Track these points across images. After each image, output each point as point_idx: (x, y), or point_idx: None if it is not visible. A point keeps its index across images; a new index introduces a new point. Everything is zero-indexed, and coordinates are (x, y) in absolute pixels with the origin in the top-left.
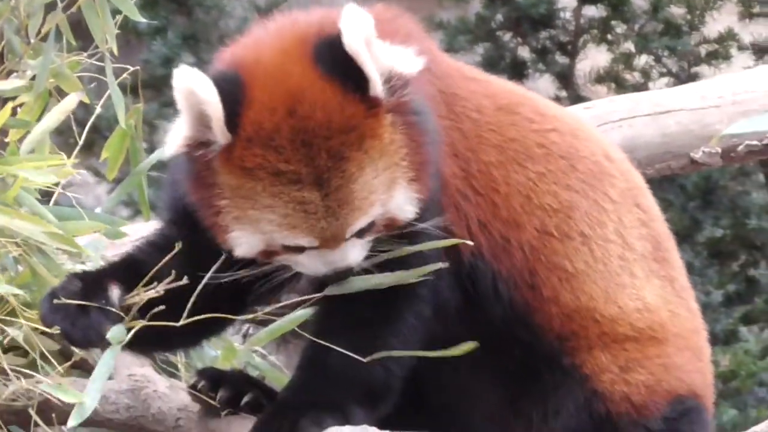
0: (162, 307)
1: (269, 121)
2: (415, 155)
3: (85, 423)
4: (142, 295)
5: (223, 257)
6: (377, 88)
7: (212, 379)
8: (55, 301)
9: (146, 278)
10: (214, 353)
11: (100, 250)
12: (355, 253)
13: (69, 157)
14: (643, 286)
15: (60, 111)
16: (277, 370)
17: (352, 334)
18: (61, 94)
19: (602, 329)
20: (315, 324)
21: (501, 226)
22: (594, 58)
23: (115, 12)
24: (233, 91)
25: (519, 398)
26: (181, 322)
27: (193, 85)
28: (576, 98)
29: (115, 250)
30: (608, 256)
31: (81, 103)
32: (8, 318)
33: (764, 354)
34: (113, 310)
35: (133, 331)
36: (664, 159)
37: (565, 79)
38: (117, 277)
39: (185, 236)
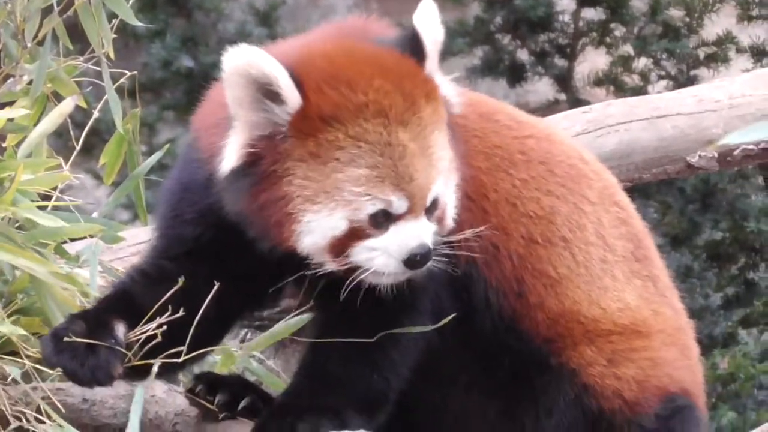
0: (178, 349)
1: (330, 66)
2: (458, 160)
3: (83, 428)
4: (148, 331)
5: (216, 287)
6: (433, 65)
7: (210, 384)
8: (66, 339)
9: (148, 315)
10: (212, 358)
11: (96, 254)
12: (431, 235)
13: (67, 160)
14: (624, 288)
15: (57, 115)
16: (274, 375)
17: (351, 343)
18: (58, 98)
19: (586, 328)
20: (313, 329)
21: (491, 234)
22: (593, 60)
23: (112, 15)
24: (288, 65)
25: (511, 406)
26: (183, 358)
27: (250, 58)
28: (574, 101)
29: (111, 255)
30: (590, 260)
31: (80, 107)
32: (8, 357)
33: (763, 357)
34: (120, 349)
35: (155, 366)
36: (660, 163)
37: (564, 81)
38: (117, 313)
39: (186, 270)
